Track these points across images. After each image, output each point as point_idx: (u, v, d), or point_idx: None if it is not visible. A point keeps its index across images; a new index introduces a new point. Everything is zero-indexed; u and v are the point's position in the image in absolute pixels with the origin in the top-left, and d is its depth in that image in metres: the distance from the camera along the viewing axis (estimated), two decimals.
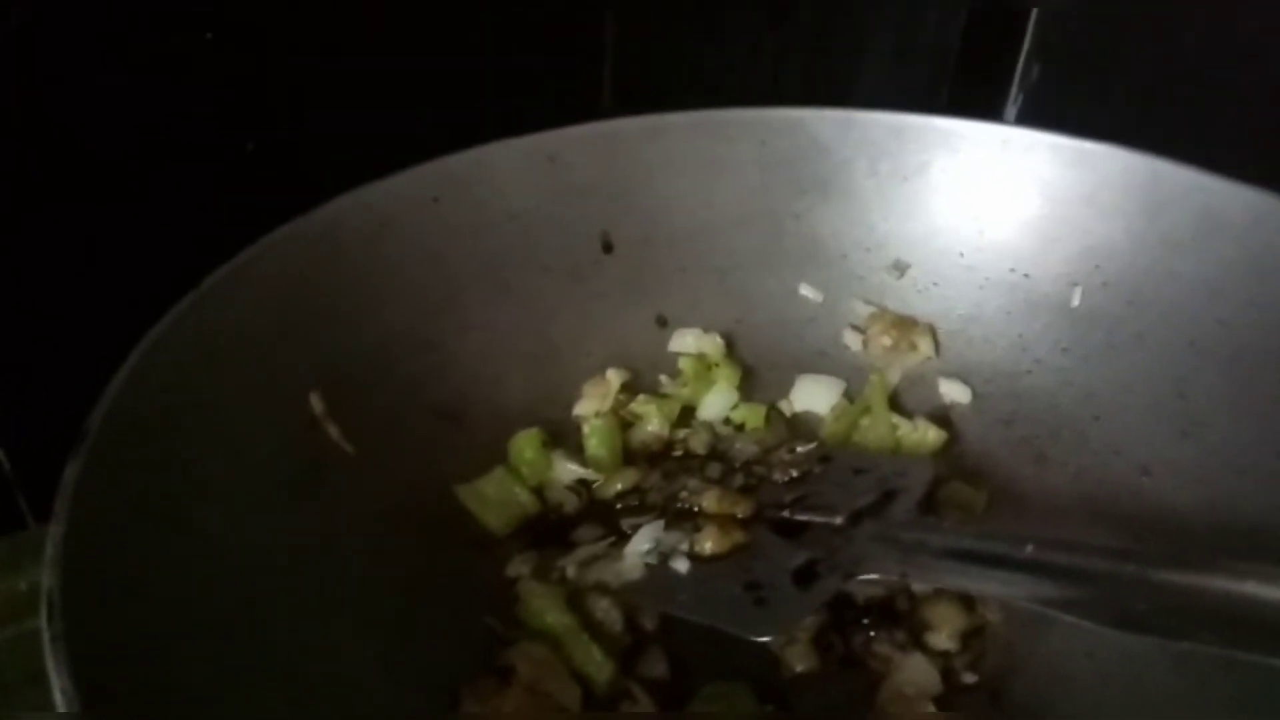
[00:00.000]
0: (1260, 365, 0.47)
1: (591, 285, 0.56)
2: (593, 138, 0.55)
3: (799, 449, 0.50)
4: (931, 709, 0.41)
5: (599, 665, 0.42)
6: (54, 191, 0.50)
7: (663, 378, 0.56)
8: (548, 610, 0.43)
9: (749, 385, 0.56)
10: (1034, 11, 0.76)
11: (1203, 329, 0.49)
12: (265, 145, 0.54)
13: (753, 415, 0.54)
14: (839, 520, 0.45)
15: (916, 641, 0.44)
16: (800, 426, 0.55)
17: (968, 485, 0.51)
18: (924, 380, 0.56)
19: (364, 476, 0.45)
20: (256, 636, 0.37)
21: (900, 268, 0.58)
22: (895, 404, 0.55)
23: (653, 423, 0.54)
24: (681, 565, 0.44)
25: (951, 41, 0.79)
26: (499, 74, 0.61)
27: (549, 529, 0.49)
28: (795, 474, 0.49)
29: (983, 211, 0.56)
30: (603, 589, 0.44)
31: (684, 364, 0.56)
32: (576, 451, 0.52)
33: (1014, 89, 0.79)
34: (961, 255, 0.57)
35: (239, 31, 0.52)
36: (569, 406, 0.54)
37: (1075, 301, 0.53)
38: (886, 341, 0.56)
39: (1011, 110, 0.79)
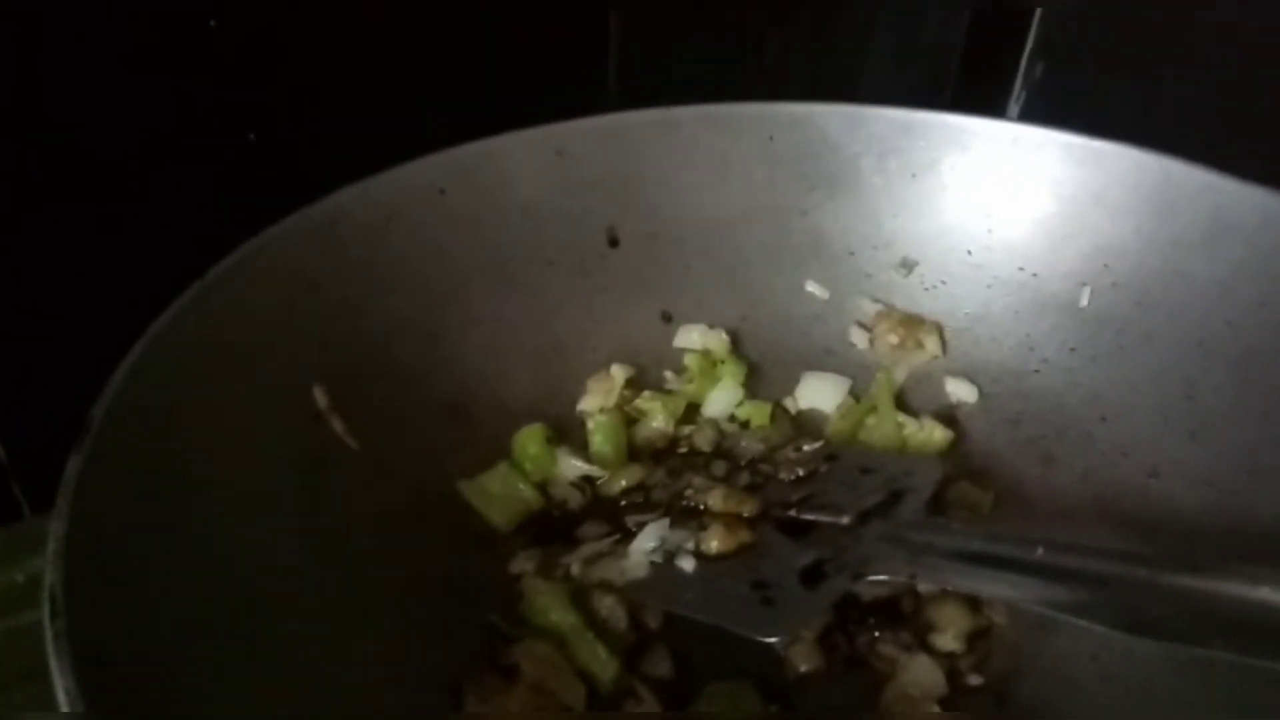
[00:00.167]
0: (1269, 367, 0.47)
1: (597, 280, 0.56)
2: (601, 130, 0.55)
3: (805, 447, 0.50)
4: (936, 710, 0.41)
5: (603, 664, 0.41)
6: (53, 185, 0.50)
7: (668, 374, 0.56)
8: (552, 608, 0.43)
9: (754, 382, 0.56)
10: (1038, 10, 0.75)
11: (1212, 330, 0.49)
12: (269, 139, 0.54)
13: (758, 413, 0.54)
14: (846, 520, 0.44)
15: (922, 642, 0.43)
16: (806, 424, 0.55)
17: (974, 485, 0.50)
18: (930, 379, 0.56)
19: (367, 471, 0.45)
20: (259, 633, 0.36)
21: (908, 265, 0.57)
22: (901, 403, 0.55)
23: (658, 419, 0.53)
24: (687, 564, 0.44)
25: (955, 38, 0.78)
26: (503, 67, 0.60)
27: (553, 526, 0.49)
28: (801, 473, 0.49)
29: (992, 210, 0.56)
30: (607, 587, 0.44)
31: (689, 360, 0.56)
32: (581, 448, 0.52)
33: (1017, 86, 0.78)
34: (969, 253, 0.56)
35: (242, 21, 0.51)
36: (574, 402, 0.54)
37: (1084, 301, 0.53)
38: (893, 339, 0.56)
39: (1014, 108, 0.79)
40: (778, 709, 0.41)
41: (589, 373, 0.54)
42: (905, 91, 0.79)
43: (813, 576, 0.42)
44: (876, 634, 0.44)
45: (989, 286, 0.56)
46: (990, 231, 0.56)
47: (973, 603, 0.44)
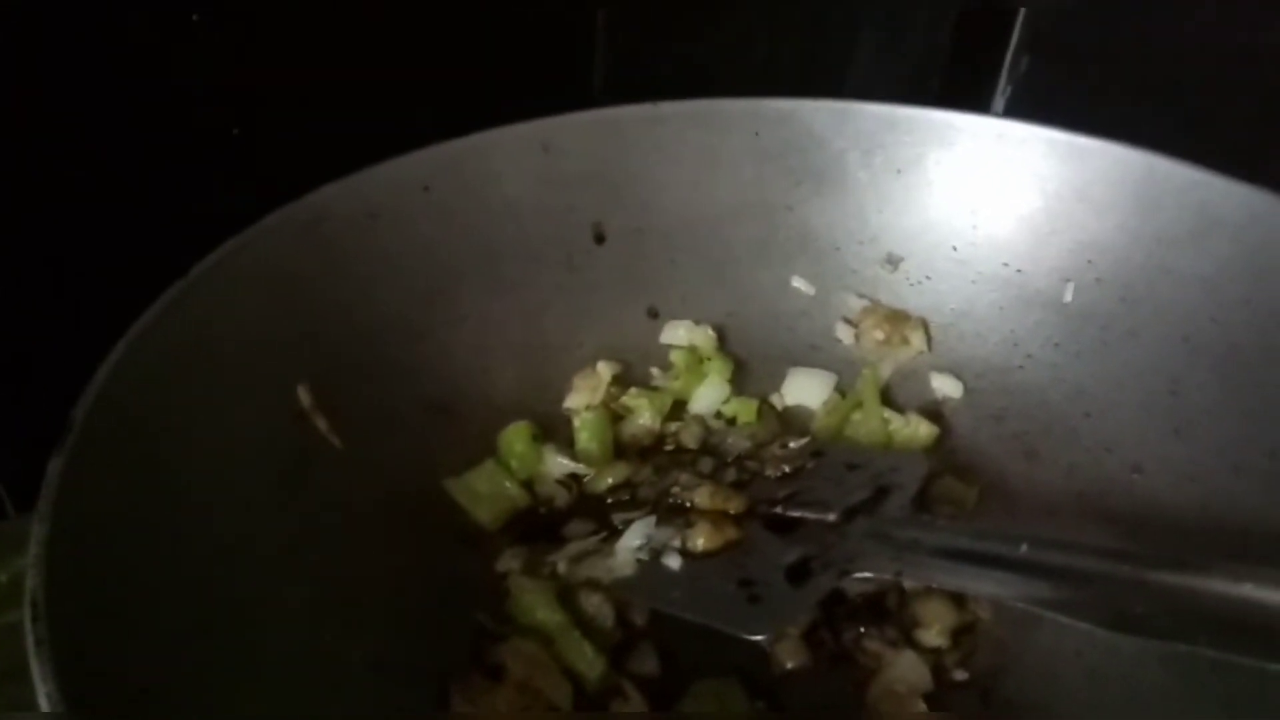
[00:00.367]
0: (1254, 363, 0.47)
1: (583, 276, 0.56)
2: (587, 126, 0.55)
3: (791, 444, 0.50)
4: (922, 706, 0.41)
5: (590, 662, 0.41)
6: (29, 185, 0.49)
7: (654, 370, 0.56)
8: (538, 606, 0.42)
9: (740, 378, 0.56)
10: (1023, 7, 0.75)
11: (1196, 326, 0.49)
12: (252, 134, 0.53)
13: (745, 409, 0.54)
14: (832, 517, 0.44)
15: (907, 638, 0.44)
16: (792, 420, 0.55)
17: (959, 481, 0.50)
18: (916, 375, 0.56)
19: (352, 469, 0.45)
20: (243, 633, 0.36)
21: (893, 261, 0.57)
22: (887, 398, 0.55)
23: (644, 416, 0.53)
24: (674, 562, 0.44)
25: (941, 32, 0.78)
26: (489, 62, 0.60)
27: (539, 523, 0.49)
28: (788, 469, 0.49)
29: (977, 205, 0.56)
30: (594, 585, 0.44)
31: (675, 357, 0.56)
32: (567, 445, 0.52)
33: (1002, 82, 0.78)
34: (955, 249, 0.56)
35: (225, 14, 0.51)
36: (560, 399, 0.54)
37: (1068, 297, 0.53)
38: (879, 335, 0.56)
39: (1000, 104, 0.79)
40: (764, 706, 0.42)
41: (575, 369, 0.54)
42: (891, 87, 0.78)
43: (799, 574, 0.42)
44: (862, 630, 0.44)
45: (974, 282, 0.56)
46: (975, 227, 0.56)
47: (958, 599, 0.44)
